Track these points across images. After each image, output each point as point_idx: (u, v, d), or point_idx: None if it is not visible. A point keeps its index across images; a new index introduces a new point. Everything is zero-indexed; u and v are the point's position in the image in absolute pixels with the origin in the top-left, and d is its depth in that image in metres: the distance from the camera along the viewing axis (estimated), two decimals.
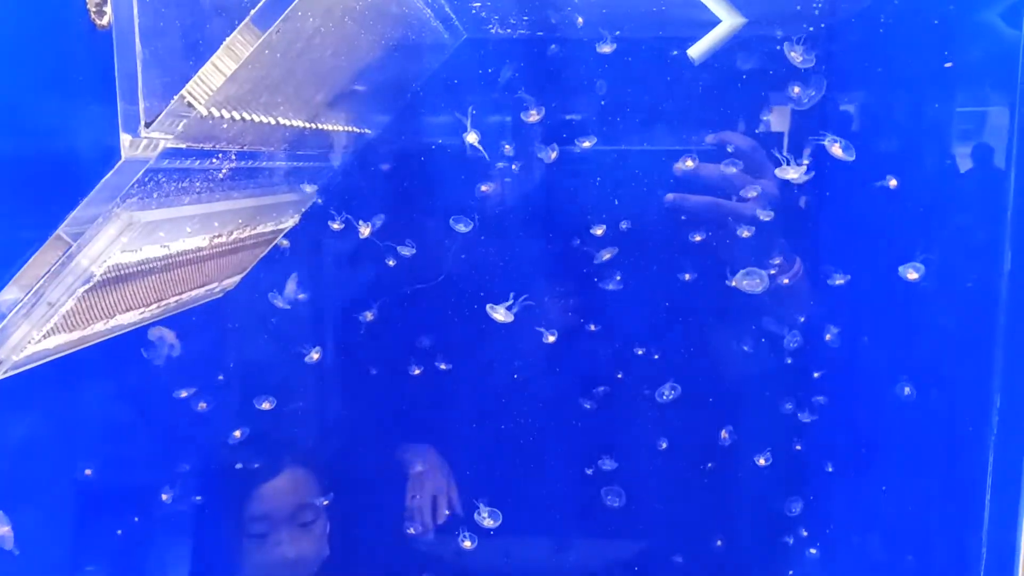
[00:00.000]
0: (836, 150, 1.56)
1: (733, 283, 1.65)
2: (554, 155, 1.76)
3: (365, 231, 1.73)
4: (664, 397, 1.80)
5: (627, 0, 1.57)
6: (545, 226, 1.85)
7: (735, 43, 1.60)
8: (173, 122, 0.98)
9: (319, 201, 1.74)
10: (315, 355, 1.80)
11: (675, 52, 1.65)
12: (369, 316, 1.83)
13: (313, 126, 1.35)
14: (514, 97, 1.73)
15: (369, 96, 1.56)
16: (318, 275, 1.85)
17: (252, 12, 0.95)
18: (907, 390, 1.67)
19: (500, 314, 1.73)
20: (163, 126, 0.97)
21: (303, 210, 1.71)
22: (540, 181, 1.81)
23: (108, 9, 1.20)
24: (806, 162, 1.60)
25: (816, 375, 1.79)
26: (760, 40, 1.63)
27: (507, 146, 1.76)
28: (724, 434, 1.79)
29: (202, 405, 1.77)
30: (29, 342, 1.06)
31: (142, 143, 0.99)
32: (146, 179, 1.02)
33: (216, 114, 1.02)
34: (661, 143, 1.76)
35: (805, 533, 1.85)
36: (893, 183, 1.62)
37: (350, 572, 1.87)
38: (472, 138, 1.68)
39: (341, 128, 1.51)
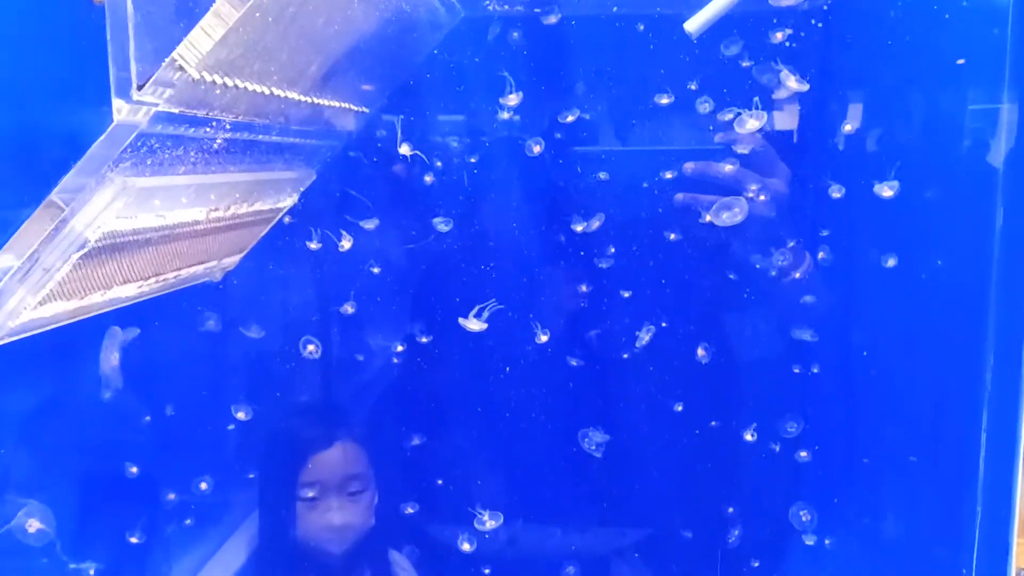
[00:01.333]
0: (792, 83, 1.55)
1: (708, 218, 1.64)
2: (537, 149, 1.77)
3: (346, 244, 1.76)
4: (640, 342, 1.79)
5: None
6: (535, 209, 1.85)
7: (740, 35, 1.61)
8: (164, 86, 0.99)
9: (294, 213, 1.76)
10: (312, 348, 1.81)
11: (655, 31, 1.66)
12: (350, 309, 1.86)
13: (308, 99, 1.35)
14: (512, 78, 1.73)
15: (365, 72, 1.57)
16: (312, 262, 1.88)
17: None
18: (893, 262, 1.69)
19: (473, 324, 1.74)
20: (154, 89, 0.98)
21: (302, 189, 1.72)
22: (533, 163, 1.81)
23: None
24: (793, 92, 1.58)
25: (797, 276, 1.76)
26: (765, 33, 1.64)
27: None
28: (701, 351, 1.78)
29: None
30: (25, 308, 1.07)
31: (135, 109, 1.00)
32: (139, 144, 1.02)
33: (208, 79, 1.02)
34: (661, 126, 1.76)
35: (804, 453, 1.84)
36: (848, 127, 1.63)
37: (354, 548, 1.88)
38: (404, 149, 1.69)
39: (337, 104, 1.52)
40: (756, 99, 1.59)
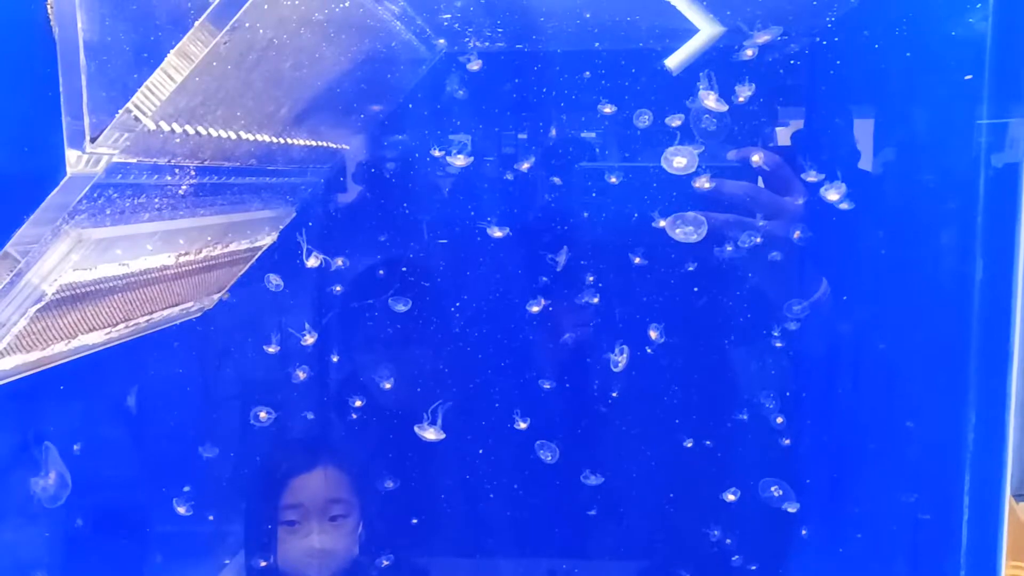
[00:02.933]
0: (710, 102, 1.50)
1: (661, 224, 1.60)
2: (499, 233, 1.74)
3: (310, 340, 1.75)
4: (618, 366, 1.75)
5: (601, 10, 1.53)
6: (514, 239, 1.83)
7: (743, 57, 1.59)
8: (119, 136, 0.96)
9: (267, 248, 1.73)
10: (264, 415, 1.81)
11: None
12: (302, 375, 1.84)
13: (280, 141, 1.33)
14: (497, 116, 1.72)
15: (342, 111, 1.55)
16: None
17: (196, 23, 0.93)
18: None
19: (430, 433, 1.72)
20: (109, 141, 0.95)
21: (281, 227, 1.69)
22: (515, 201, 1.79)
23: None
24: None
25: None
26: (770, 50, 1.61)
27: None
28: (653, 334, 1.74)
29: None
30: None
31: (89, 158, 0.97)
32: (95, 195, 1.00)
33: (166, 128, 1.00)
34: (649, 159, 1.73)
35: (788, 436, 1.80)
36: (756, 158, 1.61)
37: None
38: (312, 262, 1.67)
39: (314, 143, 1.49)
40: (677, 131, 1.56)
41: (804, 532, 1.82)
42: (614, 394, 1.85)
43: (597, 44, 1.63)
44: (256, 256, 1.68)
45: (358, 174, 1.74)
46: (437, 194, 1.74)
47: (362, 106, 1.64)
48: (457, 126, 1.72)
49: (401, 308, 1.74)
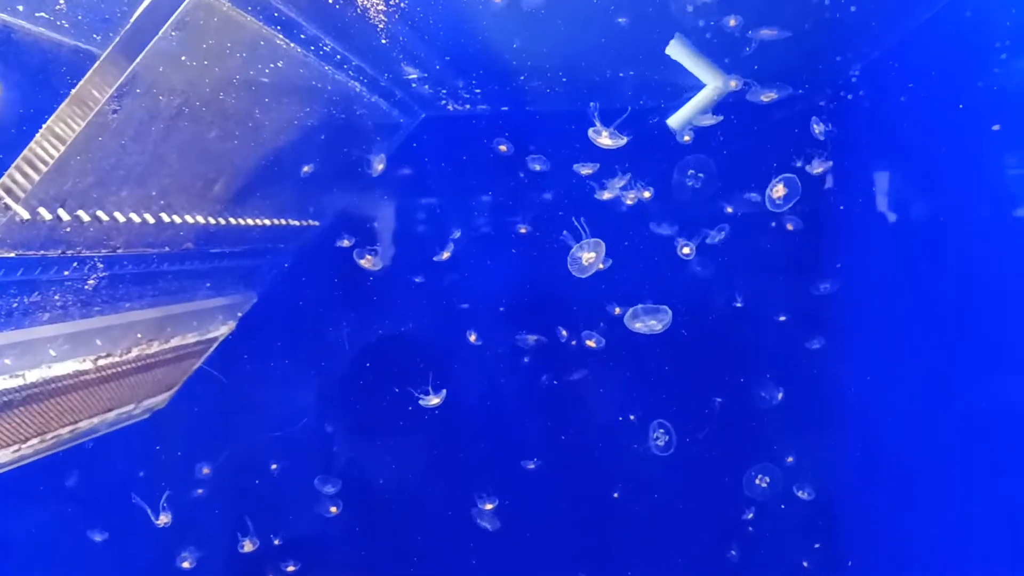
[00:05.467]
0: (604, 139, 1.43)
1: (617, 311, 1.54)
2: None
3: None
4: (665, 444, 1.69)
5: (591, 66, 1.36)
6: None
7: (767, 111, 1.47)
8: None
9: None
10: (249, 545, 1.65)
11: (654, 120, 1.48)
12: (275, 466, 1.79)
13: (220, 222, 1.15)
14: (473, 179, 1.59)
15: (302, 184, 1.37)
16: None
17: (72, 92, 0.76)
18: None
19: None
20: None
21: (240, 314, 1.51)
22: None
23: None
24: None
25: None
26: (796, 107, 1.55)
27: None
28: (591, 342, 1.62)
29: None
30: None
31: None
32: None
33: (46, 215, 0.82)
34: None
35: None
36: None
37: None
38: (163, 520, 1.60)
39: (268, 222, 1.31)
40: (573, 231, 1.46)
41: None
42: (615, 495, 1.69)
43: (594, 104, 1.46)
44: (212, 348, 1.49)
45: (326, 253, 1.58)
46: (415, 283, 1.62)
47: (326, 177, 1.47)
48: (434, 200, 1.58)
49: (329, 490, 1.70)
